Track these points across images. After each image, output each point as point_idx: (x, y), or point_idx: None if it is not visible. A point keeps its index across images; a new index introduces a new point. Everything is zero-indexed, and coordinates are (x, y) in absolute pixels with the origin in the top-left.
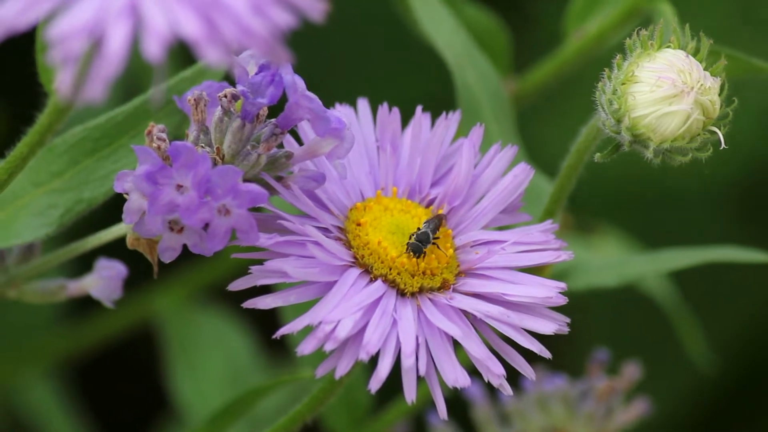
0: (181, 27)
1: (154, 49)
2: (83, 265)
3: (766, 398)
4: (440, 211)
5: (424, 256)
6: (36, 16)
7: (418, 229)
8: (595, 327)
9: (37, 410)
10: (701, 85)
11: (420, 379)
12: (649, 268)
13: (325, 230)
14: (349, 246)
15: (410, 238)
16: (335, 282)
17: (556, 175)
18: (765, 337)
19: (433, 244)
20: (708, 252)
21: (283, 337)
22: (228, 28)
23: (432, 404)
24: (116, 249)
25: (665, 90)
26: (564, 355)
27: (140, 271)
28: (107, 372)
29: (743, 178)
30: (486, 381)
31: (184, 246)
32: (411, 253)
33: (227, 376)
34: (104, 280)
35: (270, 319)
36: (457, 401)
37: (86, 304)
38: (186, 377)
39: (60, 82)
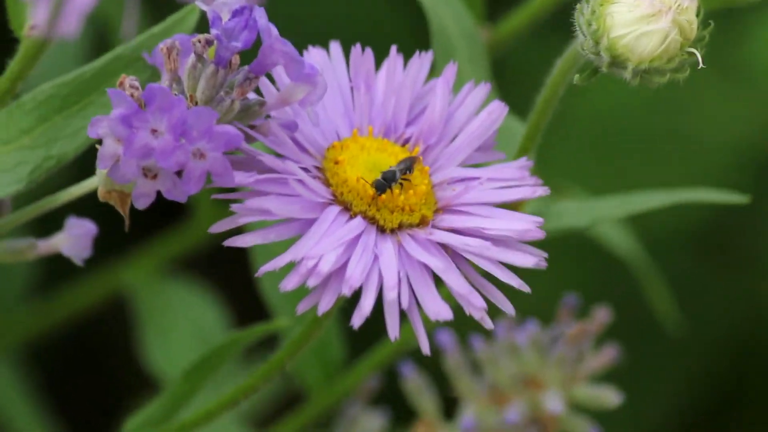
0: None
1: None
2: (54, 228)
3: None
4: (416, 151)
5: (391, 192)
6: None
7: (390, 167)
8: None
9: None
10: (679, 4)
11: (402, 324)
12: (619, 209)
13: (304, 170)
14: (327, 184)
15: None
16: (315, 219)
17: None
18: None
19: (404, 181)
20: (679, 193)
21: (258, 309)
22: None
23: (404, 355)
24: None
25: (643, 9)
26: (534, 308)
27: (109, 243)
28: (78, 347)
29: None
30: (456, 330)
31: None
32: (375, 190)
33: (200, 347)
34: (74, 238)
35: (243, 290)
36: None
37: (52, 278)
38: (157, 349)
39: (34, 19)
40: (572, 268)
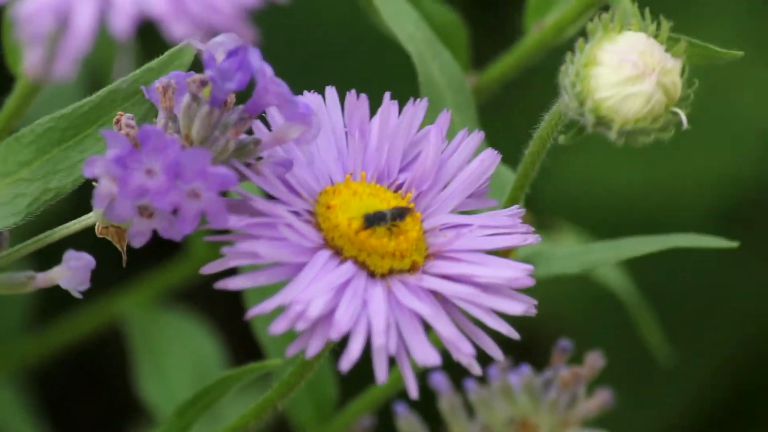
0: (148, 3)
1: (121, 26)
2: (52, 261)
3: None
4: (408, 198)
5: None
6: None
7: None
8: (559, 322)
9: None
10: (662, 66)
11: (391, 367)
12: (610, 255)
13: (295, 213)
14: (319, 228)
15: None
16: (305, 263)
17: (516, 168)
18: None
19: (394, 227)
20: (668, 238)
21: (249, 342)
22: (194, 5)
23: (398, 395)
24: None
25: (627, 71)
26: (528, 348)
27: (106, 275)
28: (71, 378)
29: (723, 200)
30: (450, 372)
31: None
32: (363, 223)
33: (195, 378)
34: (72, 271)
35: (237, 323)
36: (422, 391)
37: (50, 310)
38: (153, 379)
39: (28, 61)
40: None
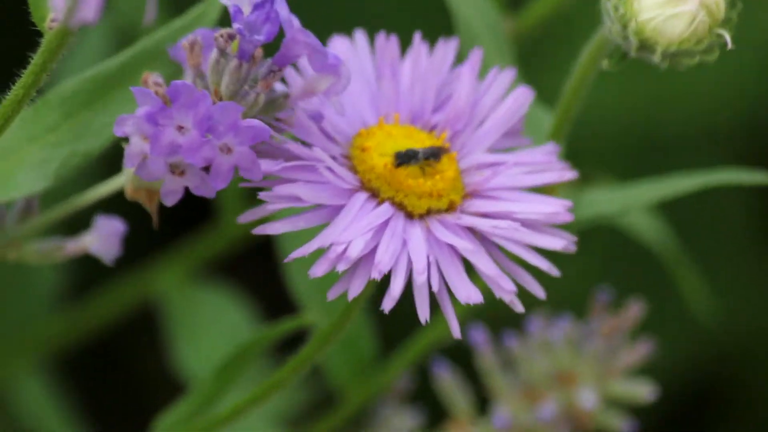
0: None
1: None
2: (80, 227)
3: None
4: (443, 138)
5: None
6: None
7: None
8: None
9: (30, 403)
10: None
11: (432, 315)
12: (649, 194)
13: (331, 157)
14: (355, 171)
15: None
16: (343, 206)
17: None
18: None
19: (428, 167)
20: (708, 177)
21: (287, 311)
22: None
23: (437, 353)
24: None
25: None
26: (564, 301)
27: (137, 248)
28: (107, 354)
29: (747, 120)
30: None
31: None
32: (395, 161)
33: (230, 349)
34: (103, 237)
35: (274, 294)
36: (460, 349)
37: (82, 286)
38: (189, 353)
39: (53, 9)
40: (603, 254)
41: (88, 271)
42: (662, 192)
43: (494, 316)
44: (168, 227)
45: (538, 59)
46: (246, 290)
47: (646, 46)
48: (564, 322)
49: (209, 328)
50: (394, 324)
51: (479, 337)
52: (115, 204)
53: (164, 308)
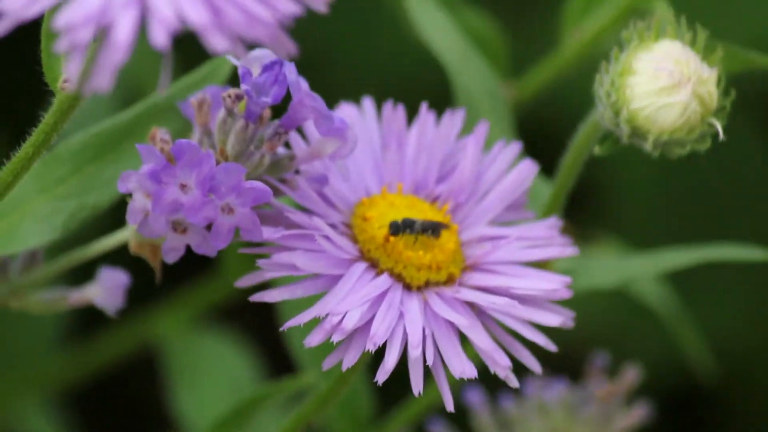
0: (187, 14)
1: (161, 37)
2: (86, 277)
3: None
4: (445, 209)
5: (415, 242)
6: (44, 5)
7: (413, 218)
8: (596, 333)
9: None
10: (698, 76)
11: (426, 382)
12: (648, 268)
13: (331, 226)
14: (355, 240)
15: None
16: (342, 275)
17: (554, 176)
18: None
19: (426, 239)
20: (709, 251)
21: (287, 359)
22: (233, 16)
23: (432, 412)
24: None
25: (663, 81)
26: (564, 361)
27: (141, 292)
28: (108, 397)
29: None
30: (486, 385)
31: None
32: (389, 230)
33: (230, 398)
34: (106, 289)
35: (273, 341)
36: (457, 409)
37: (85, 328)
38: (189, 399)
39: (67, 74)
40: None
41: (91, 312)
42: (661, 266)
43: (490, 376)
44: (171, 273)
45: (536, 121)
46: (246, 337)
47: (637, 133)
48: (560, 385)
49: (209, 374)
50: (392, 383)
51: (476, 397)
52: (120, 247)
53: (165, 353)
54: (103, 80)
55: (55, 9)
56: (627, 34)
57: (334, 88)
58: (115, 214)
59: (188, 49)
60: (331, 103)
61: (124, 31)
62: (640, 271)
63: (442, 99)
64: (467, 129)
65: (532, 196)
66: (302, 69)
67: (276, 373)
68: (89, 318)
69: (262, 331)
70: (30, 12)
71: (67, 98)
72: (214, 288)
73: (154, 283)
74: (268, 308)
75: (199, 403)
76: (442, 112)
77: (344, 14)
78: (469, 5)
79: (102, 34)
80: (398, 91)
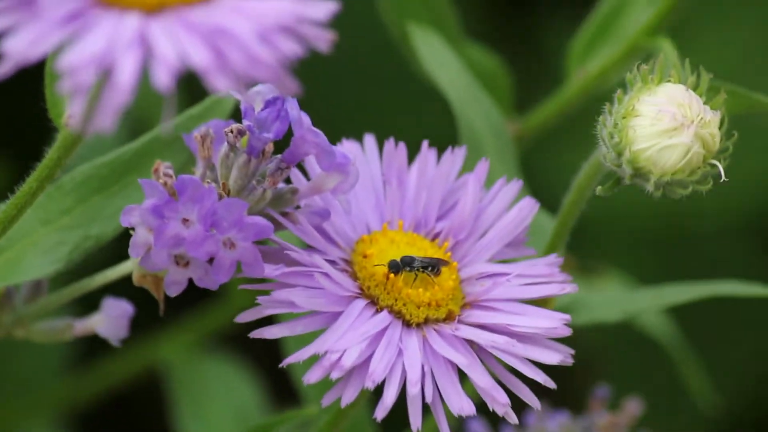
0: (190, 56)
1: (163, 78)
2: (90, 305)
3: None
4: (445, 247)
5: (414, 280)
6: (47, 47)
7: (412, 256)
8: (598, 367)
9: None
10: (701, 118)
11: (426, 414)
12: (651, 303)
13: (331, 262)
14: (355, 277)
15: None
16: (341, 312)
17: (558, 212)
18: None
19: (426, 276)
20: (711, 287)
21: (291, 384)
22: (235, 57)
23: None
24: (123, 292)
25: (665, 123)
26: (566, 393)
27: (146, 318)
28: (113, 421)
29: (759, 208)
30: (489, 416)
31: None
32: (388, 269)
33: (235, 424)
34: (111, 319)
35: (277, 366)
36: None
37: (91, 352)
38: (193, 425)
39: (70, 113)
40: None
41: (97, 336)
42: (664, 301)
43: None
44: (175, 299)
45: (540, 157)
46: (250, 362)
47: (640, 174)
48: (562, 417)
49: (213, 399)
50: (394, 413)
51: (478, 429)
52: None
53: (170, 378)
54: (106, 121)
55: (58, 50)
56: (630, 77)
57: (336, 124)
58: (120, 245)
59: (193, 81)
60: (333, 139)
61: (127, 73)
62: (643, 306)
63: (448, 136)
64: (471, 166)
65: (535, 231)
66: (304, 104)
67: (279, 398)
68: (95, 342)
69: (266, 357)
70: (32, 54)
71: (70, 135)
72: (218, 313)
73: (158, 308)
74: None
75: (203, 428)
76: (447, 149)
77: (347, 49)
78: (474, 42)
79: (105, 75)
80: (403, 126)
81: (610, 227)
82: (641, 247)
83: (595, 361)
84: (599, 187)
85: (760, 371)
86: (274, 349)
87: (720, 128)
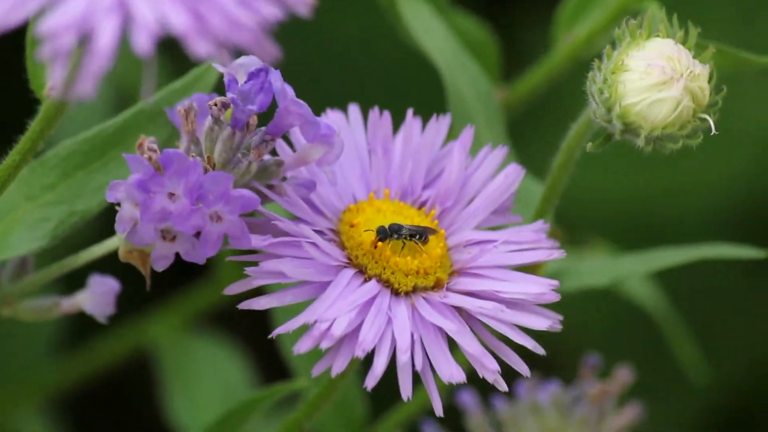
0: (170, 20)
1: (143, 43)
2: (76, 283)
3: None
4: (432, 215)
5: (402, 248)
6: (26, 13)
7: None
8: (588, 337)
9: None
10: (690, 71)
11: (416, 385)
12: (639, 267)
13: (319, 233)
14: (342, 247)
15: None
16: (330, 282)
17: (546, 179)
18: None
19: (414, 244)
20: (698, 250)
21: (280, 363)
22: (216, 21)
23: (425, 413)
24: (110, 270)
25: (655, 77)
26: (556, 363)
27: (133, 299)
28: (102, 403)
29: (740, 203)
30: (479, 388)
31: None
32: (376, 235)
33: (224, 403)
34: (97, 296)
35: (266, 344)
36: (450, 410)
37: (79, 334)
38: (183, 405)
39: (51, 80)
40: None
41: (85, 318)
42: (652, 265)
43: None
44: (163, 278)
45: (529, 125)
46: (239, 341)
47: (630, 130)
48: (553, 386)
49: (203, 378)
50: (384, 385)
51: (469, 399)
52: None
53: (158, 358)
54: (87, 86)
55: (38, 16)
56: (619, 32)
57: (321, 95)
58: (106, 220)
59: (178, 55)
60: (318, 110)
61: (106, 37)
62: (631, 270)
63: (436, 102)
64: (460, 133)
65: (523, 198)
66: (288, 75)
67: (269, 377)
68: (83, 324)
69: (255, 336)
70: (12, 20)
71: (53, 105)
72: (206, 293)
73: (145, 288)
74: (260, 312)
75: (192, 407)
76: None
77: (331, 18)
78: (461, 9)
79: (85, 41)
80: (389, 95)
81: (590, 224)
82: (621, 245)
83: (584, 332)
84: (589, 144)
85: (752, 358)
86: (262, 328)
87: (709, 82)
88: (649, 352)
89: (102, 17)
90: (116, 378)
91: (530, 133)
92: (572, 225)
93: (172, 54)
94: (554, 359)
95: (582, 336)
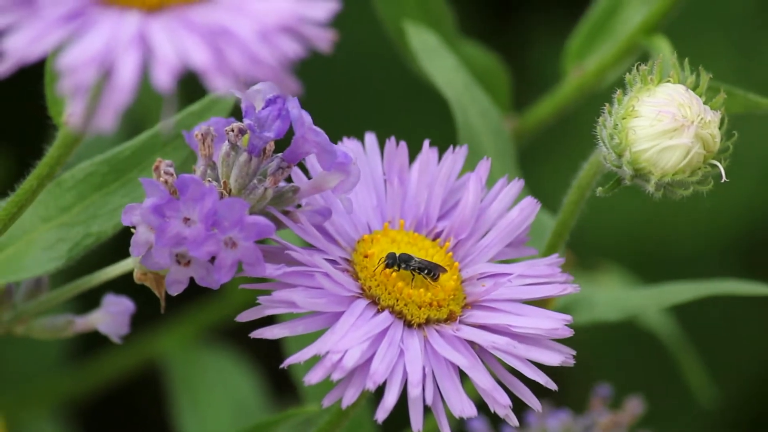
0: (190, 56)
1: (163, 78)
2: (90, 301)
3: None
4: (447, 250)
5: (412, 280)
6: (47, 46)
7: (410, 255)
8: (599, 365)
9: None
10: (701, 118)
11: (426, 413)
12: (651, 302)
13: (332, 262)
14: (356, 277)
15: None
16: (343, 313)
17: (557, 211)
18: None
19: (424, 277)
20: (710, 286)
21: (290, 377)
22: (236, 57)
23: None
24: (123, 286)
25: (666, 124)
26: (567, 391)
27: (145, 311)
28: (113, 414)
29: (748, 227)
30: (490, 414)
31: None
32: (384, 264)
33: (233, 417)
34: (111, 316)
35: (277, 359)
36: None
37: (91, 344)
38: (192, 418)
39: (70, 113)
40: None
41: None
42: (663, 300)
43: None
44: None
45: (538, 154)
46: (249, 355)
47: (640, 175)
48: (563, 414)
49: (212, 392)
50: (395, 412)
51: (479, 426)
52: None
53: (169, 370)
54: (107, 120)
55: (58, 49)
56: (630, 77)
57: (337, 123)
58: (121, 242)
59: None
60: (334, 138)
61: (127, 72)
62: (643, 304)
63: (448, 135)
64: (470, 165)
65: (534, 229)
66: (305, 103)
67: (279, 391)
68: (96, 334)
69: (266, 350)
70: (32, 53)
71: (71, 133)
72: (217, 307)
73: (158, 301)
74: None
75: (201, 420)
76: (447, 147)
77: (349, 46)
78: (471, 40)
79: (105, 74)
80: (401, 124)
81: (602, 249)
82: (632, 269)
83: (595, 360)
84: (599, 188)
85: (757, 373)
86: (273, 343)
87: (720, 128)
88: (658, 377)
89: (123, 52)
90: (127, 389)
91: (540, 162)
92: (584, 249)
93: (188, 78)
94: (564, 388)
95: (593, 360)
